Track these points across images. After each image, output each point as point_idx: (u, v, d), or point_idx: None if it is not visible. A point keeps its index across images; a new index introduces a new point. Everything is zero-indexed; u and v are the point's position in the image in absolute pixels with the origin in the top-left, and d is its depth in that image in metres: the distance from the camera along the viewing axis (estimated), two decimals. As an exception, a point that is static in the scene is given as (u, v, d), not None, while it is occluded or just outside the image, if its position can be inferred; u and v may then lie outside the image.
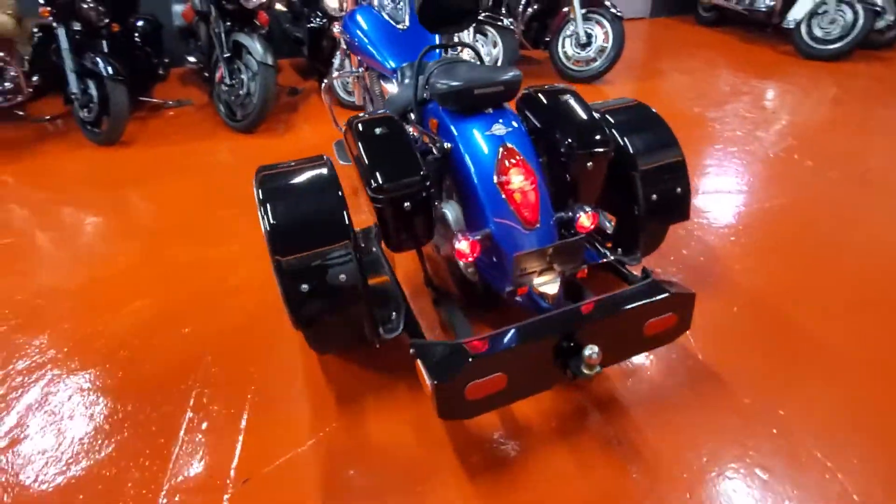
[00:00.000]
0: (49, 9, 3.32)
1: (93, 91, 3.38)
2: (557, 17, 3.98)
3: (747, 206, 2.48)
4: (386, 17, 2.16)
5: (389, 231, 1.43)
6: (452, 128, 1.48)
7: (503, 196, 1.37)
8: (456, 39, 2.36)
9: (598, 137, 1.51)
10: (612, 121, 1.65)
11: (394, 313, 1.47)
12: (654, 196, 1.59)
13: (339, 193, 1.35)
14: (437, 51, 1.83)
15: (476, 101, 1.45)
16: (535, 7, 4.10)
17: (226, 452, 1.40)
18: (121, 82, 3.28)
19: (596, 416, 1.46)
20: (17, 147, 3.62)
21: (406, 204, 1.37)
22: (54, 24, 3.34)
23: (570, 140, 1.49)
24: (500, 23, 3.59)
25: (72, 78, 3.38)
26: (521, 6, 4.06)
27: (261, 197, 1.32)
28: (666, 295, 1.29)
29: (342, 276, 1.29)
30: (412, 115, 1.72)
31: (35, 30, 3.58)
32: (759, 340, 1.69)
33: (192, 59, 4.12)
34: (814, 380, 1.54)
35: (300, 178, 1.41)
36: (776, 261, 2.07)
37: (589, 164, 1.51)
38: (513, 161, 1.38)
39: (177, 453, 1.41)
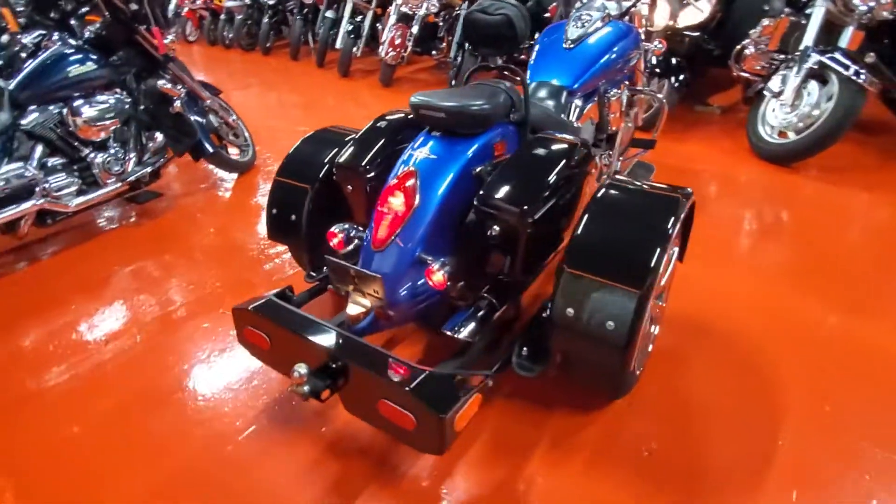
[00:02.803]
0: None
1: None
2: None
3: None
4: (565, 35, 2.08)
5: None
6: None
7: (376, 210, 1.39)
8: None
9: (508, 200, 1.27)
10: (602, 202, 1.30)
11: (324, 269, 1.74)
12: (571, 311, 1.20)
13: (331, 153, 1.63)
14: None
15: (422, 120, 1.46)
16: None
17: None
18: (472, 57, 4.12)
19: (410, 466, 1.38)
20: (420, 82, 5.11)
21: (349, 187, 1.58)
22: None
23: (483, 191, 1.32)
24: (846, 71, 2.52)
25: (454, 47, 4.44)
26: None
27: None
28: (405, 387, 1.09)
29: (293, 217, 1.67)
30: None
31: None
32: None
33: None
34: None
35: (339, 136, 1.74)
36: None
37: (494, 227, 1.31)
38: (402, 184, 1.36)
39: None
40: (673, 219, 1.23)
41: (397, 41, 4.77)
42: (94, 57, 2.59)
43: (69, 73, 2.50)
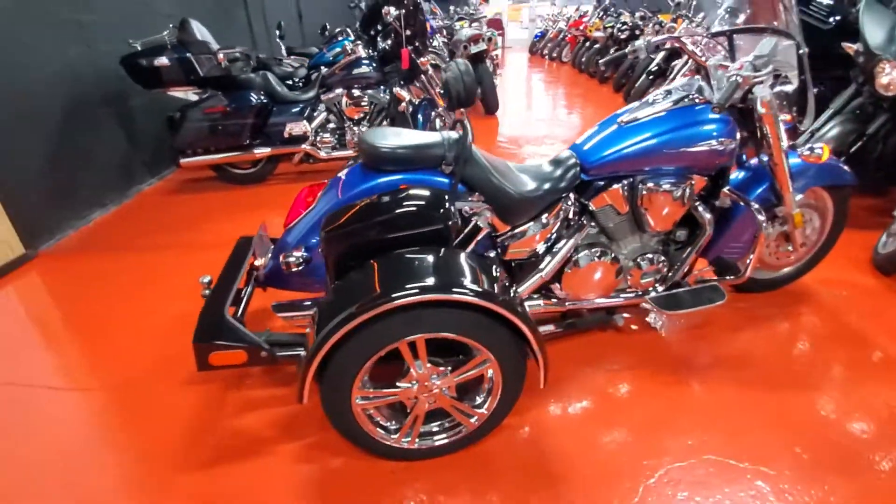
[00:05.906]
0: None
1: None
2: None
3: None
4: (629, 109, 1.79)
5: None
6: None
7: (294, 201, 1.73)
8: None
9: (328, 221, 1.45)
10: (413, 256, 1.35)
11: None
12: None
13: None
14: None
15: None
16: None
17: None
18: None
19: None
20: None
21: None
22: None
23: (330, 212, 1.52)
24: None
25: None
26: None
27: None
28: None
29: None
30: None
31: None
32: None
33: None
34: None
35: None
36: None
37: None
38: (314, 191, 1.66)
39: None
40: (406, 292, 1.20)
41: (677, 90, 4.35)
42: (374, 65, 3.67)
43: (355, 71, 3.65)
